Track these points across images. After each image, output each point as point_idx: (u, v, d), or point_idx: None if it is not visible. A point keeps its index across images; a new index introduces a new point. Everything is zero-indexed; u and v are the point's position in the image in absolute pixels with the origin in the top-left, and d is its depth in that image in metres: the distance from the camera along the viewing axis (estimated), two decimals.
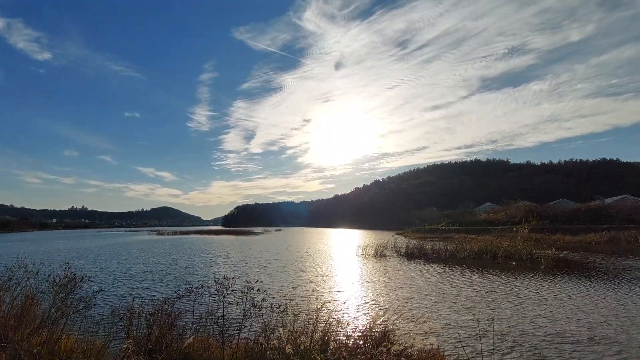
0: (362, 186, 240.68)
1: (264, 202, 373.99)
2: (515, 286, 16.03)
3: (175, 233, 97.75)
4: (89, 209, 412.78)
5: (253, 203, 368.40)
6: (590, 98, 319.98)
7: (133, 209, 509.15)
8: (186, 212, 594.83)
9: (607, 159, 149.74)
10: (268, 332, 7.54)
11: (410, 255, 30.02)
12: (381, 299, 13.87)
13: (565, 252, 31.45)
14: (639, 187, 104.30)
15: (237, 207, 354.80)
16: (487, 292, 14.86)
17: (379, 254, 30.75)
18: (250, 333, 8.32)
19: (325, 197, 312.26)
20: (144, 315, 8.57)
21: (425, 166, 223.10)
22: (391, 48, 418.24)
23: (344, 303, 12.99)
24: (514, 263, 24.22)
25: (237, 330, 8.21)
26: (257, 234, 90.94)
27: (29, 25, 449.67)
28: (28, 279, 8.15)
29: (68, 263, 9.01)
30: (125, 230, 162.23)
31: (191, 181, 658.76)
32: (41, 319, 7.29)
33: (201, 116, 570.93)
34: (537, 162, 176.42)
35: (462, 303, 12.83)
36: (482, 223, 73.85)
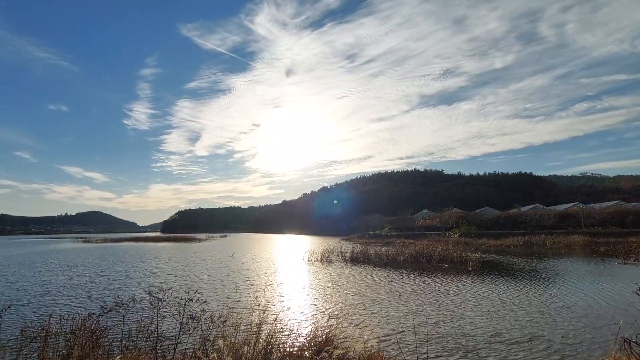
0: (310, 192, 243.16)
1: (208, 207, 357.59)
2: (450, 288, 17.41)
3: (105, 240, 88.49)
4: (1, 213, 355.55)
5: (197, 208, 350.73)
6: (510, 119, 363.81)
7: (55, 214, 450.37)
8: (119, 217, 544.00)
9: (523, 172, 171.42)
10: (207, 345, 7.23)
11: (355, 260, 31.00)
12: (326, 304, 14.11)
13: (489, 255, 35.12)
14: (546, 197, 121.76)
15: (179, 212, 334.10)
16: (426, 294, 15.94)
17: (325, 259, 31.26)
18: (187, 347, 7.88)
19: (273, 202, 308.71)
20: (62, 334, 7.65)
21: (371, 174, 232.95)
22: (340, 60, 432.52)
23: (288, 309, 12.96)
24: (446, 265, 26.36)
25: (172, 344, 7.72)
26: (200, 240, 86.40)
27: None
28: None
29: None
30: (45, 238, 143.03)
31: (126, 183, 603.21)
32: None
33: (140, 114, 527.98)
34: (467, 173, 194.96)
35: (403, 306, 13.60)
36: (419, 229, 79.29)
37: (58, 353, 7.07)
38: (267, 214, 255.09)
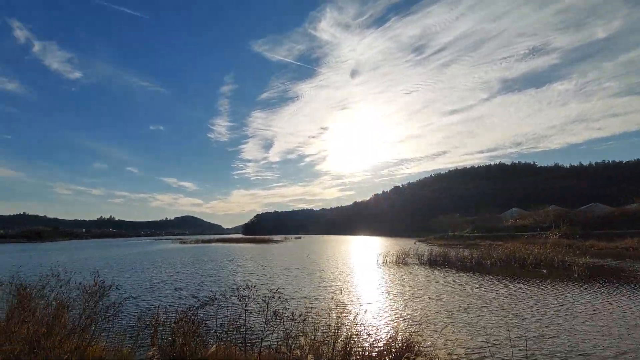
0: (381, 193, 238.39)
1: (283, 210, 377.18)
2: (553, 297, 15.19)
3: (197, 242, 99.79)
4: (117, 218, 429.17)
5: (272, 211, 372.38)
6: (620, 96, 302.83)
7: (158, 218, 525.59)
8: (208, 220, 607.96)
9: None
10: (290, 341, 7.49)
11: (433, 263, 29.23)
12: (406, 309, 13.51)
13: (602, 259, 29.63)
14: None
15: (257, 216, 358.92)
16: (522, 303, 14.16)
17: (401, 261, 30.12)
18: (272, 342, 8.29)
19: (344, 204, 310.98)
20: (168, 323, 8.74)
21: (447, 171, 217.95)
22: (407, 54, 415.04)
23: (365, 312, 12.73)
24: (544, 271, 23.06)
25: (259, 338, 8.20)
26: (276, 242, 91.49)
27: (62, 47, 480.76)
28: (60, 287, 8.51)
29: (97, 272, 9.35)
30: (151, 239, 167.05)
31: (212, 190, 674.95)
32: (72, 326, 7.56)
33: (221, 127, 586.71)
34: (566, 164, 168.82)
35: (495, 315, 12.28)
36: (508, 229, 71.09)
37: (165, 340, 8.12)
38: (338, 216, 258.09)
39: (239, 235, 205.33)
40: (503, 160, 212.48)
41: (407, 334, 8.56)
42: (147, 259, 41.14)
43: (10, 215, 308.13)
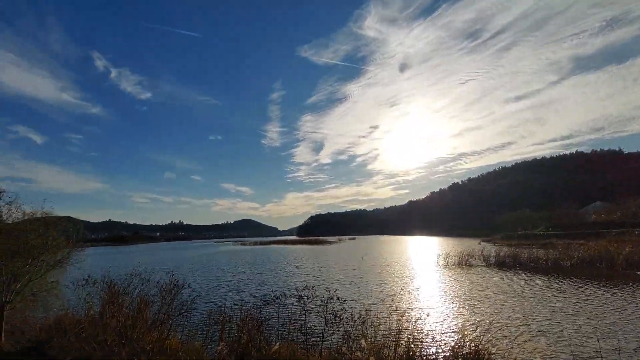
0: (438, 190, 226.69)
1: (336, 211, 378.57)
2: None
3: (255, 243, 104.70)
4: (185, 223, 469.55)
5: (325, 212, 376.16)
6: None
7: (219, 222, 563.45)
8: (264, 223, 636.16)
9: None
10: (350, 343, 7.40)
11: (502, 264, 26.90)
12: (471, 313, 12.58)
13: None
14: None
15: (311, 217, 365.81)
16: (617, 310, 12.34)
17: (464, 262, 28.24)
18: (332, 342, 8.27)
19: (398, 203, 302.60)
20: (234, 320, 9.22)
21: (513, 164, 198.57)
22: (460, 41, 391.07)
23: (428, 316, 12.12)
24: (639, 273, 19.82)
25: (319, 339, 8.24)
26: (331, 243, 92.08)
27: (133, 72, 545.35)
28: (142, 285, 9.49)
29: (171, 272, 10.24)
30: (214, 242, 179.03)
31: (267, 194, 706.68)
32: (152, 320, 8.37)
33: (273, 133, 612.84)
34: None
35: (584, 323, 10.86)
36: (591, 226, 62.60)
37: (232, 336, 8.59)
38: (392, 216, 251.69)
39: (294, 237, 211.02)
40: (581, 149, 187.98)
41: (476, 340, 7.93)
42: (211, 260, 44.24)
43: (99, 222, 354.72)
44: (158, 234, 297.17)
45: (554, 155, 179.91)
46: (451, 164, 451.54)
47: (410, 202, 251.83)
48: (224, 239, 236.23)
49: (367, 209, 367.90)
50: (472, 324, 10.98)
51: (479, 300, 14.62)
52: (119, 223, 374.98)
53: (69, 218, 11.67)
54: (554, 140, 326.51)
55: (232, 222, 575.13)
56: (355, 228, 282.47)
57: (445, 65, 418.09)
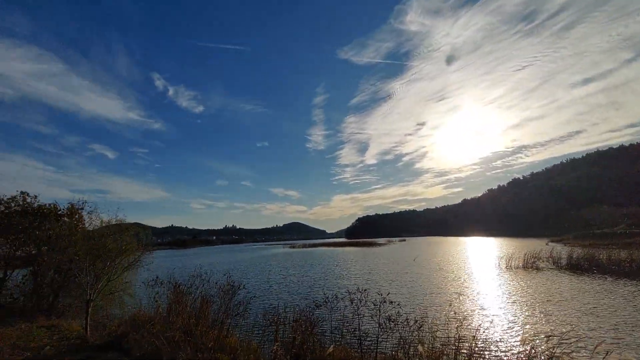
0: (496, 187, 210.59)
1: (384, 212, 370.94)
2: None
3: (304, 246, 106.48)
4: (237, 227, 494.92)
5: (373, 214, 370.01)
6: None
7: (269, 225, 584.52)
8: (312, 226, 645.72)
9: None
10: (406, 348, 7.12)
11: (575, 267, 24.14)
12: (542, 321, 11.42)
13: None
14: None
15: (358, 219, 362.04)
16: None
17: (530, 265, 25.84)
18: (386, 347, 8.03)
19: (450, 202, 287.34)
20: (287, 322, 9.40)
21: (584, 155, 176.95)
22: (514, 25, 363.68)
23: (491, 323, 11.24)
24: None
25: (373, 343, 8.05)
26: (380, 245, 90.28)
27: (188, 88, 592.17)
28: (203, 285, 10.11)
29: (228, 273, 10.77)
30: (265, 244, 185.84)
31: (314, 197, 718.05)
32: (213, 319, 8.86)
33: (318, 136, 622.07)
34: None
35: None
36: None
37: (286, 336, 8.75)
38: (445, 216, 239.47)
39: (342, 239, 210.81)
40: None
41: (548, 352, 7.14)
42: (264, 262, 45.87)
43: (162, 227, 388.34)
44: (214, 237, 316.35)
45: (634, 143, 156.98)
46: (510, 158, 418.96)
47: (464, 200, 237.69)
48: (274, 242, 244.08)
49: (417, 209, 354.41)
50: (543, 333, 9.94)
51: (549, 307, 13.24)
52: (180, 228, 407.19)
53: (138, 224, 12.88)
54: (633, 125, 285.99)
55: (281, 225, 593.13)
56: (404, 229, 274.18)
57: (498, 52, 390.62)
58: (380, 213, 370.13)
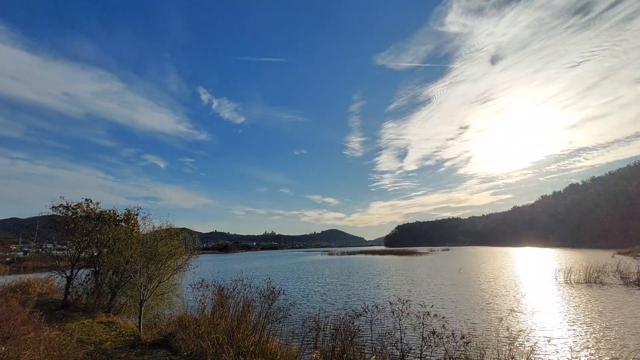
0: (551, 193, 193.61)
1: (425, 220, 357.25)
2: None
3: (342, 253, 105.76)
4: (277, 233, 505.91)
5: (414, 222, 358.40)
6: None
7: (307, 232, 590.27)
8: (350, 233, 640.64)
9: None
10: None
11: None
12: (607, 342, 10.18)
13: None
14: None
15: (398, 227, 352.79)
16: None
17: (593, 280, 23.30)
18: None
19: (499, 210, 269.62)
20: (327, 329, 9.32)
21: None
22: (567, 19, 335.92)
23: (549, 343, 10.24)
24: None
25: (416, 356, 7.69)
26: (421, 254, 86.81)
27: (230, 100, 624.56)
28: (245, 290, 10.41)
29: (268, 279, 10.97)
30: (303, 251, 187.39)
31: (352, 204, 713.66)
32: (254, 324, 9.05)
33: (355, 143, 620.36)
34: None
35: None
36: None
37: (326, 344, 8.66)
38: (493, 224, 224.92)
39: (382, 247, 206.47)
40: None
41: None
42: (302, 268, 46.21)
43: (207, 233, 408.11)
44: (254, 243, 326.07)
45: None
46: (566, 161, 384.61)
47: (514, 208, 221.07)
48: (312, 249, 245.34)
49: (462, 217, 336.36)
50: (611, 358, 8.84)
51: (618, 327, 11.78)
52: (223, 233, 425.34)
53: (186, 229, 13.64)
54: None
55: (319, 232, 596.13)
56: (448, 238, 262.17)
57: (550, 49, 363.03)
58: (421, 220, 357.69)
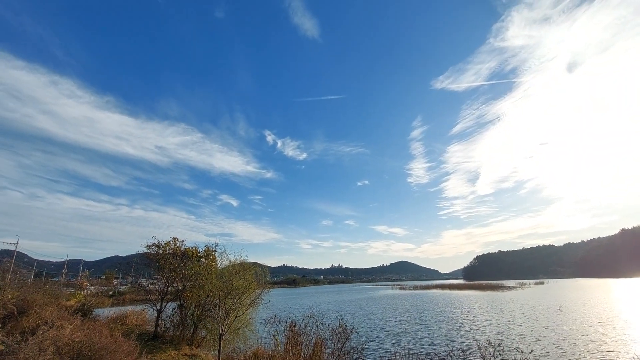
0: None
1: (509, 249, 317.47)
2: None
3: (415, 287, 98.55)
4: (343, 266, 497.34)
5: (496, 251, 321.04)
6: None
7: (375, 265, 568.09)
8: (422, 265, 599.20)
9: None
10: None
11: None
12: None
13: None
14: None
15: (477, 257, 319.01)
16: None
17: None
18: None
19: (602, 234, 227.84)
20: None
21: None
22: None
23: None
24: None
25: None
26: (509, 288, 76.32)
27: (293, 139, 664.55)
28: (316, 326, 10.20)
29: (340, 315, 10.63)
30: (372, 285, 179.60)
31: (421, 234, 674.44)
32: None
33: (419, 170, 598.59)
34: None
35: None
36: None
37: None
38: (597, 251, 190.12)
39: (460, 281, 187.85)
40: None
41: None
42: (373, 304, 44.02)
43: (276, 267, 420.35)
44: (322, 277, 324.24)
45: None
46: None
47: (622, 230, 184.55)
48: (381, 282, 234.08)
49: (555, 244, 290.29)
50: None
51: None
52: (291, 267, 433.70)
53: (256, 264, 14.18)
54: None
55: (387, 264, 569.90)
56: (538, 269, 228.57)
57: (638, 47, 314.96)
58: (504, 250, 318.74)
